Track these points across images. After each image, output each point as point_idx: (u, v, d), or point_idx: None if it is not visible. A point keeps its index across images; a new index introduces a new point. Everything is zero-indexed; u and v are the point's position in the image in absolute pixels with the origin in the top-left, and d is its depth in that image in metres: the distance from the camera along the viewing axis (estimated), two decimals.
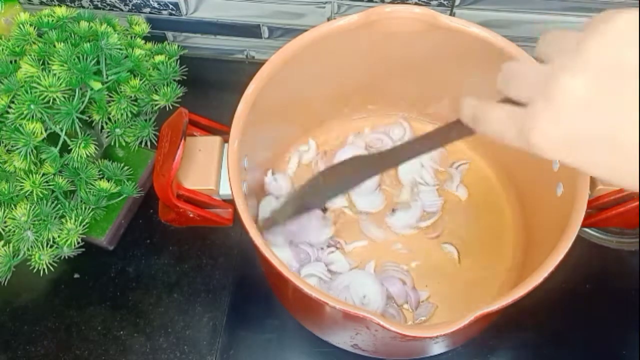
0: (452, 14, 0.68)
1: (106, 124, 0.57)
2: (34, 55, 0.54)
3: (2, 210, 0.53)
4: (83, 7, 0.73)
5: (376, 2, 0.68)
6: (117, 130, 0.57)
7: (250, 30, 0.75)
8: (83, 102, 0.53)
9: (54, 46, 0.55)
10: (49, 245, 0.53)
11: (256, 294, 0.62)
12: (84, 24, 0.56)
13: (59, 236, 0.53)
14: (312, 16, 0.71)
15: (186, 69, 0.60)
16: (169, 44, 0.62)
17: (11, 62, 0.54)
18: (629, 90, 0.27)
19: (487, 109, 0.34)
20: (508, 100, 0.32)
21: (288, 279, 0.42)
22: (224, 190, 0.51)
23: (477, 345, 0.59)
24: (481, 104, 0.35)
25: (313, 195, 0.52)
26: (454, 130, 0.39)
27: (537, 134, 0.30)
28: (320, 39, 0.53)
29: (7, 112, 0.52)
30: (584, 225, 0.45)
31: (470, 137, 0.37)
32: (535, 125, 0.30)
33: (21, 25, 0.56)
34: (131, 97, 0.57)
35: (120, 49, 0.56)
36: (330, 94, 0.61)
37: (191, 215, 0.51)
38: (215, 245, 0.66)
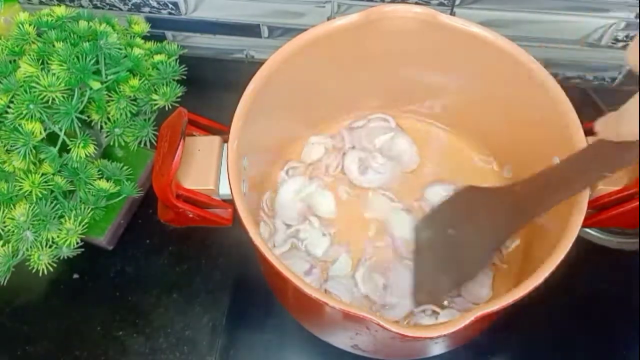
0: (452, 13, 0.67)
1: (105, 123, 0.57)
2: (33, 55, 0.54)
3: (1, 210, 0.53)
4: (82, 7, 0.73)
5: (376, 1, 0.68)
6: (117, 130, 0.57)
7: (250, 30, 0.75)
8: (82, 101, 0.53)
9: (53, 46, 0.54)
10: (48, 246, 0.53)
11: (256, 294, 0.62)
12: (83, 24, 0.56)
13: (58, 236, 0.53)
14: (312, 16, 0.70)
15: (186, 68, 0.60)
16: (168, 43, 0.62)
17: (10, 61, 0.54)
18: None
19: (618, 112, 0.35)
20: None
21: (288, 279, 0.42)
22: (224, 190, 0.51)
23: (477, 345, 0.59)
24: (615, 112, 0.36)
25: (459, 260, 0.49)
26: (600, 163, 0.40)
27: None
28: (320, 39, 0.53)
29: (6, 112, 0.51)
30: (584, 225, 0.45)
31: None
32: None
33: (20, 25, 0.56)
34: (130, 96, 0.57)
35: (119, 49, 0.56)
36: (330, 93, 0.61)
37: (190, 216, 0.51)
38: (214, 245, 0.65)
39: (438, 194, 0.63)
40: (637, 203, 0.48)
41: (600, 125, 0.39)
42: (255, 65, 0.51)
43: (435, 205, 0.56)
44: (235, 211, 0.46)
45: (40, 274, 0.53)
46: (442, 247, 0.52)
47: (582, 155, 0.43)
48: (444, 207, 0.53)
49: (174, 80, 0.59)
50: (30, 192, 0.53)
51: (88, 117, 0.56)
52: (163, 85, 0.58)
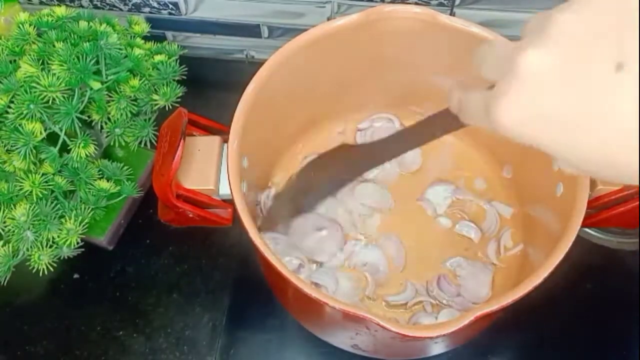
0: (452, 13, 0.67)
1: (106, 123, 0.57)
2: (34, 55, 0.54)
3: (2, 210, 0.53)
4: (82, 7, 0.73)
5: (376, 1, 0.68)
6: (117, 130, 0.57)
7: (250, 30, 0.75)
8: (82, 101, 0.53)
9: (54, 46, 0.55)
10: (48, 245, 0.53)
11: (256, 294, 0.62)
12: (83, 24, 0.56)
13: (58, 236, 0.53)
14: (312, 16, 0.70)
15: (186, 68, 0.60)
16: (168, 43, 0.62)
17: (11, 61, 0.54)
18: (599, 57, 0.25)
19: (467, 94, 0.33)
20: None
21: (288, 279, 0.42)
22: (224, 190, 0.51)
23: (477, 345, 0.59)
24: (464, 90, 0.34)
25: (306, 194, 0.52)
26: (442, 122, 0.39)
27: (499, 111, 0.28)
28: (320, 39, 0.53)
29: (7, 112, 0.51)
30: (584, 225, 0.45)
31: (457, 130, 0.38)
32: (497, 102, 0.28)
33: (21, 25, 0.56)
34: (131, 97, 0.57)
35: (119, 49, 0.56)
36: (329, 94, 0.61)
37: (191, 216, 0.51)
38: (214, 245, 0.65)
39: (439, 194, 0.63)
40: (637, 203, 0.48)
41: (456, 104, 0.35)
42: (255, 65, 0.51)
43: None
44: (235, 211, 0.46)
45: (41, 274, 0.53)
46: (299, 187, 0.55)
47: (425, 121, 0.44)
48: (315, 161, 0.55)
49: (174, 80, 0.59)
50: (31, 192, 0.53)
51: (88, 117, 0.56)
52: (163, 85, 0.58)
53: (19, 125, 0.51)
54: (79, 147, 0.54)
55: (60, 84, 0.51)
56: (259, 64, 0.51)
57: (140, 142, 0.59)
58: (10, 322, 0.62)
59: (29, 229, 0.52)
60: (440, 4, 0.66)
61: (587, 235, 0.65)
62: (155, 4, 0.72)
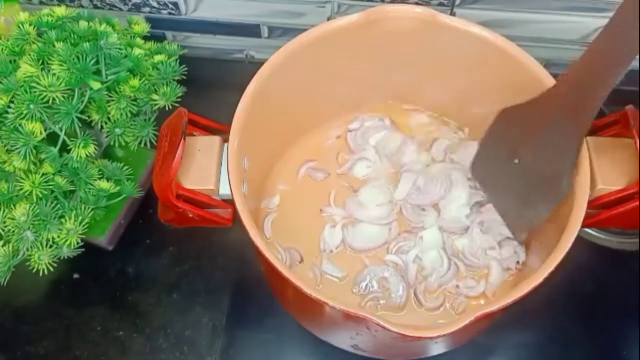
0: (452, 13, 0.67)
1: (105, 123, 0.57)
2: (34, 55, 0.54)
3: (2, 210, 0.53)
4: (82, 7, 0.73)
5: (376, 1, 0.68)
6: (117, 130, 0.57)
7: (250, 30, 0.75)
8: (82, 101, 0.53)
9: (54, 46, 0.54)
10: (48, 246, 0.53)
11: (256, 294, 0.62)
12: (83, 24, 0.56)
13: (58, 236, 0.53)
14: (312, 16, 0.71)
15: (186, 68, 0.60)
16: (168, 43, 0.62)
17: (10, 61, 0.54)
18: None
19: None
20: None
21: (288, 279, 0.42)
22: (224, 190, 0.51)
23: (477, 345, 0.59)
24: None
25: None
26: None
27: None
28: (320, 39, 0.53)
29: (7, 112, 0.51)
30: (584, 225, 0.45)
31: None
32: None
33: (20, 25, 0.56)
34: (131, 96, 0.57)
35: (119, 49, 0.56)
36: (329, 93, 0.61)
37: (190, 216, 0.51)
38: (214, 245, 0.65)
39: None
40: (637, 203, 0.48)
41: None
42: (255, 65, 0.51)
43: (482, 138, 0.55)
44: (235, 211, 0.46)
45: (41, 274, 0.53)
46: (514, 178, 0.51)
47: (610, 29, 0.40)
48: (490, 139, 0.52)
49: (174, 80, 0.59)
50: (31, 192, 0.53)
51: (88, 117, 0.56)
52: (163, 85, 0.58)
53: (19, 125, 0.51)
54: (79, 147, 0.54)
55: (60, 84, 0.51)
56: (259, 64, 0.51)
57: (140, 142, 0.59)
58: (10, 322, 0.62)
59: (28, 229, 0.52)
60: (440, 4, 0.66)
61: (587, 235, 0.65)
62: (155, 4, 0.72)
